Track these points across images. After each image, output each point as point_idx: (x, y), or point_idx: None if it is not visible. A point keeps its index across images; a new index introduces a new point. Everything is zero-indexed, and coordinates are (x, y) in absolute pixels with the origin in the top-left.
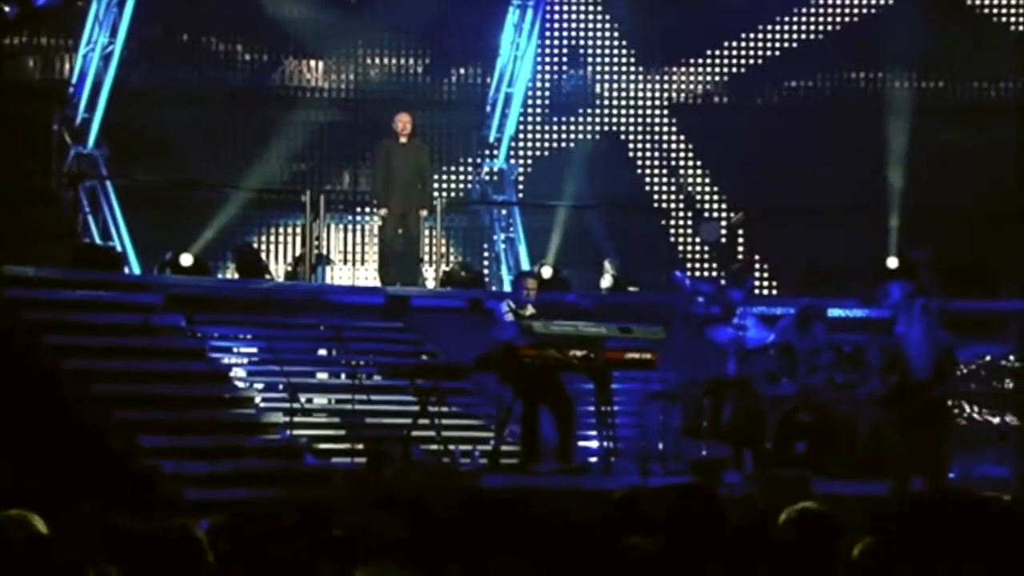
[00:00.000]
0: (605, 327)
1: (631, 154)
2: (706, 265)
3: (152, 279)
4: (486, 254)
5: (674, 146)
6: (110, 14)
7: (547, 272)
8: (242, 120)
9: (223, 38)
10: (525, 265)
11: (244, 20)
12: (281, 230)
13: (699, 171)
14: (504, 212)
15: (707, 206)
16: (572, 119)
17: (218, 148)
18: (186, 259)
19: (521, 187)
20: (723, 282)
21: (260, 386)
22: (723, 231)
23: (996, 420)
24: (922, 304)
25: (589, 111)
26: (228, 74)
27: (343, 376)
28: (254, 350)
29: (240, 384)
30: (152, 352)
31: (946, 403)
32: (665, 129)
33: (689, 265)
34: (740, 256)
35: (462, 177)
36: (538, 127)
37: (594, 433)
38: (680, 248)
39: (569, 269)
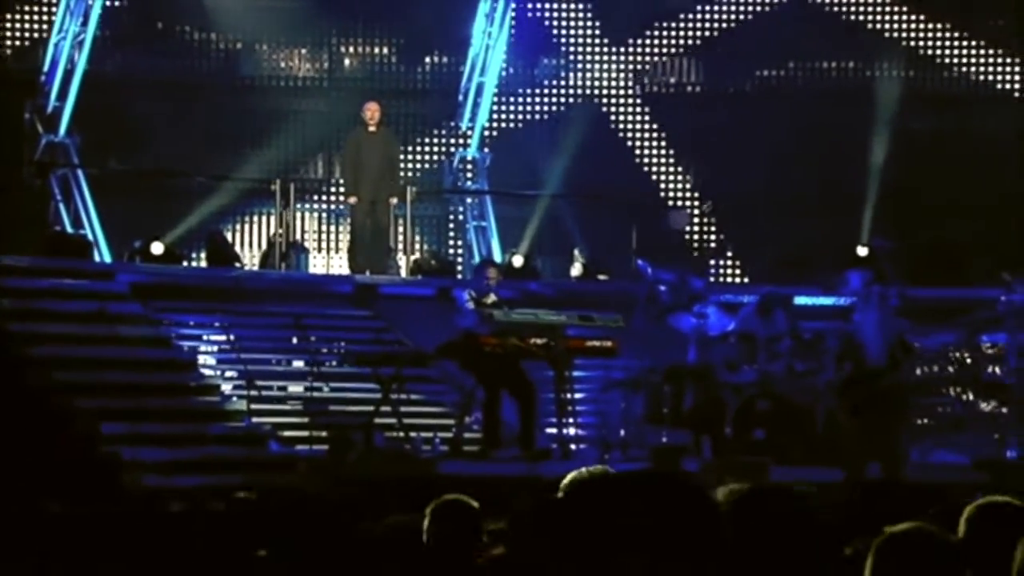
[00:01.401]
0: (565, 315)
1: (606, 142)
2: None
3: (118, 267)
4: (460, 242)
5: (646, 135)
6: (81, 3)
7: (518, 261)
8: (215, 109)
9: (197, 27)
10: (497, 254)
11: (218, 8)
12: (255, 219)
13: (669, 160)
14: (476, 201)
15: (676, 195)
16: (541, 105)
17: (191, 136)
18: (157, 247)
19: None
20: (684, 270)
21: (225, 374)
22: (691, 220)
23: (987, 406)
24: (878, 293)
25: (560, 99)
26: (201, 63)
27: (306, 364)
28: (220, 338)
29: (205, 372)
30: (117, 340)
31: (900, 390)
32: (637, 118)
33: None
34: (709, 245)
35: (435, 166)
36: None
37: (562, 420)
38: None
39: (541, 258)
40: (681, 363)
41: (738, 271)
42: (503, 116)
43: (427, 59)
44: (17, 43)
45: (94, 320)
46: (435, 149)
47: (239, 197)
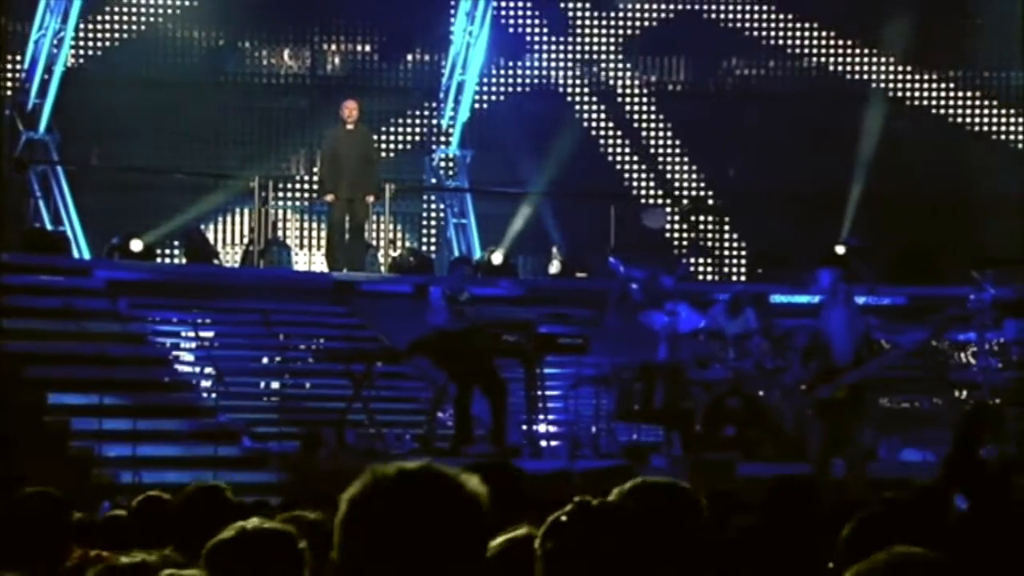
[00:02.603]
0: (536, 313)
1: (585, 141)
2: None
3: (94, 264)
4: (440, 239)
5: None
6: (61, 1)
7: (497, 258)
8: (197, 106)
9: (179, 24)
10: (477, 251)
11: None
12: (236, 216)
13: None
14: (456, 199)
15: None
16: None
17: (172, 133)
18: (136, 245)
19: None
20: (655, 269)
21: (199, 370)
22: (667, 218)
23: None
24: (844, 291)
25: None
26: (184, 60)
27: (279, 360)
28: (195, 334)
29: (179, 368)
30: (90, 336)
31: (863, 388)
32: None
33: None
34: (686, 242)
35: (415, 163)
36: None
37: (532, 417)
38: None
39: (521, 255)
40: (652, 360)
41: (714, 268)
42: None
43: (409, 57)
44: None
45: (68, 316)
46: (415, 146)
47: (220, 194)
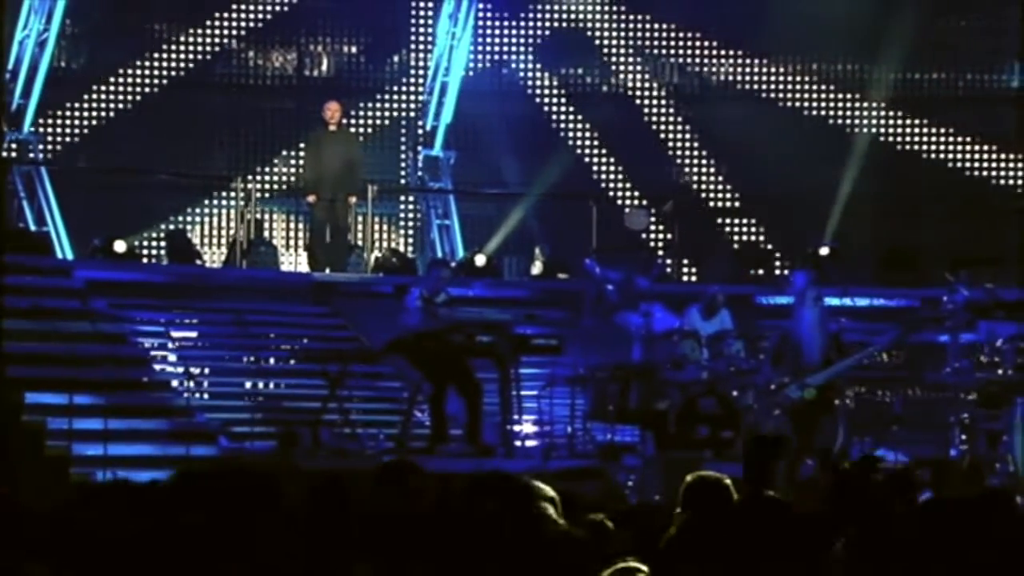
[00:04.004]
0: (511, 314)
1: (568, 141)
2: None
3: (74, 264)
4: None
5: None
6: (45, 2)
7: (480, 260)
8: (183, 106)
9: (167, 23)
10: (460, 252)
11: (188, 6)
12: (221, 217)
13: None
14: (439, 200)
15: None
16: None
17: (157, 134)
18: (119, 246)
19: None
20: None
21: (177, 370)
22: (650, 219)
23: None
24: (813, 294)
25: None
26: (171, 60)
27: (257, 360)
28: (174, 334)
29: (157, 368)
30: (69, 336)
31: (832, 389)
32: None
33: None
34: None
35: (400, 164)
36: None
37: (515, 417)
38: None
39: (506, 257)
40: (627, 361)
41: (692, 270)
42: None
43: (395, 58)
44: None
45: (46, 316)
46: (398, 147)
47: (204, 195)
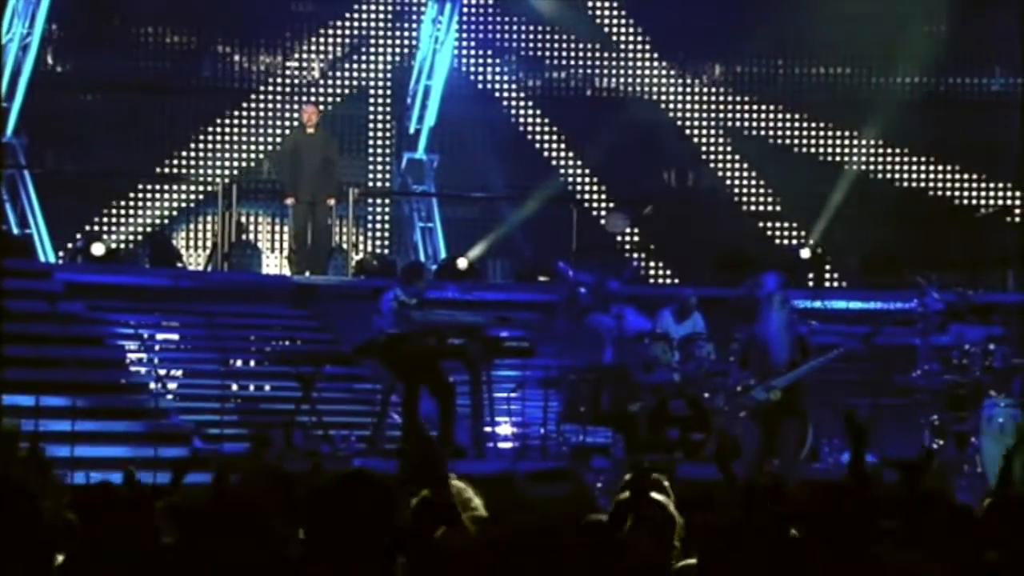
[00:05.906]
0: (483, 316)
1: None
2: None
3: (54, 267)
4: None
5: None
6: (29, 4)
7: (463, 264)
8: (167, 109)
9: (151, 26)
10: (442, 255)
11: (173, 8)
12: (204, 220)
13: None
14: (422, 203)
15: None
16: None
17: (140, 137)
18: (97, 248)
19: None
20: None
21: (152, 372)
22: (630, 222)
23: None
24: (780, 298)
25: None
26: (155, 63)
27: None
28: (151, 337)
29: (133, 370)
30: (46, 339)
31: (798, 391)
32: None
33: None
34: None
35: (383, 167)
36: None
37: (488, 419)
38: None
39: (490, 260)
40: (599, 363)
41: (672, 272)
42: None
43: (372, 62)
44: None
45: (24, 319)
46: (380, 150)
47: (187, 198)
